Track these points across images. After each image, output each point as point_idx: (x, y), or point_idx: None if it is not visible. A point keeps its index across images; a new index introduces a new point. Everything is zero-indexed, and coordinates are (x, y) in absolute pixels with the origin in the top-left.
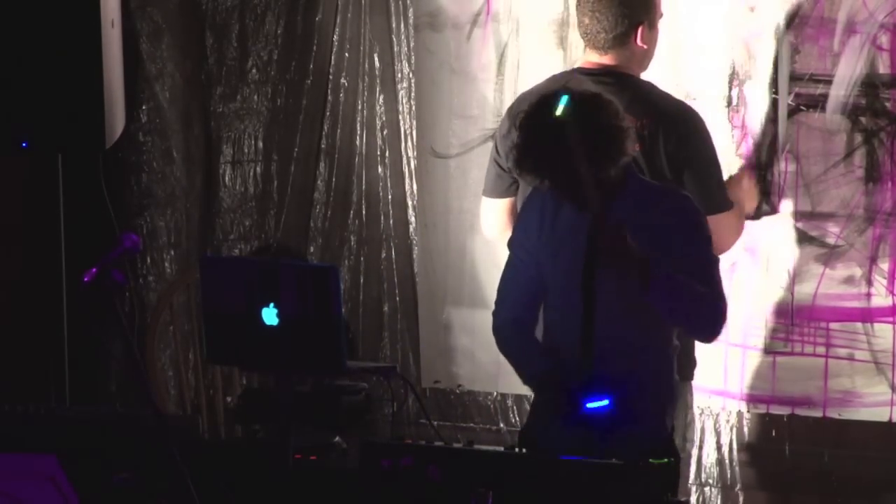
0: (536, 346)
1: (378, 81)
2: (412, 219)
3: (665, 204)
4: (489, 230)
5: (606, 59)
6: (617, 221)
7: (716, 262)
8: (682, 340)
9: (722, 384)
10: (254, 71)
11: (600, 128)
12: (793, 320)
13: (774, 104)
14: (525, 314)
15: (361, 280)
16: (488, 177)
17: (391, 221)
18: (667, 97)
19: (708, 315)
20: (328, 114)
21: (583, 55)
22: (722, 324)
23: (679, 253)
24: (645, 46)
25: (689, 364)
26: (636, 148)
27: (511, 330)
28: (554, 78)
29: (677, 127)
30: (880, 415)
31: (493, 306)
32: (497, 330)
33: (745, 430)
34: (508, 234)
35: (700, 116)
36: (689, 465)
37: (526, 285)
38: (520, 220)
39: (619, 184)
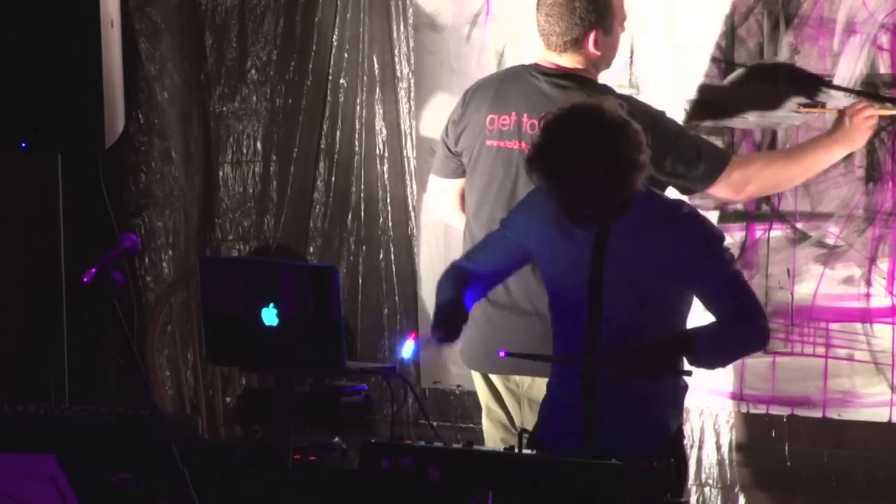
0: (455, 288)
1: (377, 82)
2: (411, 219)
3: (673, 225)
4: (438, 210)
5: (563, 61)
6: (622, 232)
7: (741, 274)
8: None
9: (722, 384)
10: (253, 71)
11: (623, 161)
12: (792, 320)
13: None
14: (477, 270)
15: (361, 280)
16: (437, 157)
17: (390, 222)
18: (627, 101)
19: (752, 344)
20: (327, 114)
21: (542, 51)
22: (767, 336)
23: (707, 282)
24: (598, 52)
25: None
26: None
27: (453, 272)
28: (511, 69)
29: None
30: (880, 415)
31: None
32: (445, 273)
33: (745, 430)
34: (456, 216)
35: (660, 112)
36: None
37: (495, 251)
38: (519, 208)
39: (624, 205)
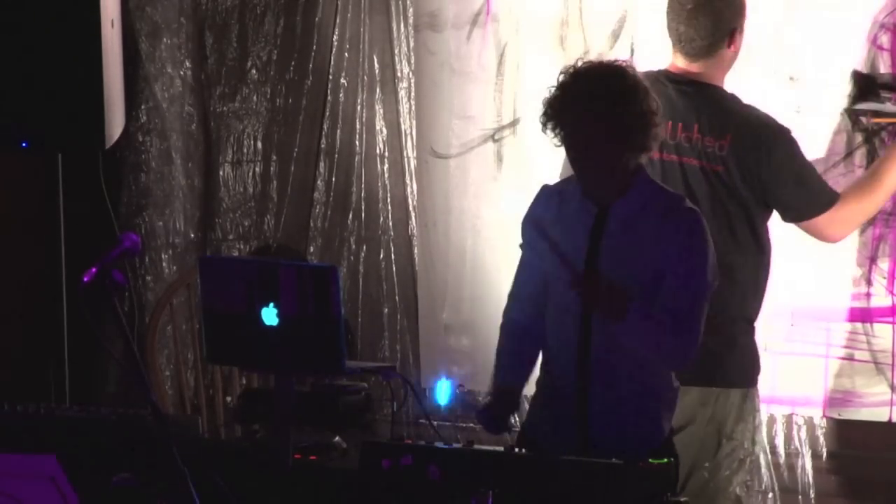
0: (518, 358)
1: (378, 81)
2: (412, 219)
3: (669, 215)
4: None
5: (694, 67)
6: (620, 216)
7: (704, 291)
8: (745, 346)
9: None
10: (253, 71)
11: (646, 112)
12: (792, 320)
13: None
14: (534, 318)
15: (361, 280)
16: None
17: (391, 221)
18: (749, 112)
19: (670, 356)
20: (328, 114)
21: (671, 58)
22: (684, 358)
23: (671, 275)
24: (736, 51)
25: (754, 369)
26: (717, 167)
27: (512, 333)
28: (643, 74)
29: (759, 148)
30: (880, 415)
31: (493, 305)
32: (503, 327)
33: None
34: None
35: (783, 128)
36: (759, 467)
37: (537, 286)
38: (529, 220)
39: (629, 179)
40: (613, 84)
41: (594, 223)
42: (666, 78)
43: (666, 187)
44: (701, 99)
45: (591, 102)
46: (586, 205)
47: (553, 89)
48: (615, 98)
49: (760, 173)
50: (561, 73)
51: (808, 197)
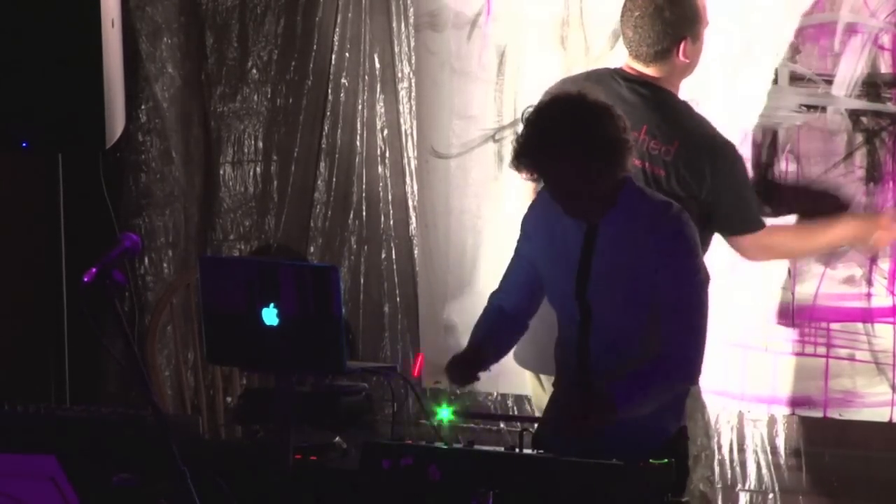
0: (485, 331)
1: (378, 81)
2: (412, 219)
3: (653, 225)
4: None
5: (649, 70)
6: (609, 234)
7: (699, 300)
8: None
9: (722, 384)
10: (254, 71)
11: (605, 140)
12: (793, 320)
13: None
14: (515, 305)
15: (361, 280)
16: None
17: (391, 221)
18: (698, 123)
19: (676, 381)
20: (328, 114)
21: (627, 58)
22: (690, 372)
23: (663, 286)
24: (687, 60)
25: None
26: (659, 171)
27: (491, 316)
28: (595, 72)
29: (704, 158)
30: (881, 415)
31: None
32: (485, 311)
33: (746, 430)
34: None
35: (728, 142)
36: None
37: (522, 279)
38: (524, 220)
39: (614, 195)
40: (576, 123)
41: (584, 240)
42: (620, 76)
43: (654, 195)
44: (654, 102)
45: (558, 146)
46: (577, 221)
47: (521, 129)
48: (581, 139)
49: (703, 185)
50: (528, 107)
51: (742, 213)
